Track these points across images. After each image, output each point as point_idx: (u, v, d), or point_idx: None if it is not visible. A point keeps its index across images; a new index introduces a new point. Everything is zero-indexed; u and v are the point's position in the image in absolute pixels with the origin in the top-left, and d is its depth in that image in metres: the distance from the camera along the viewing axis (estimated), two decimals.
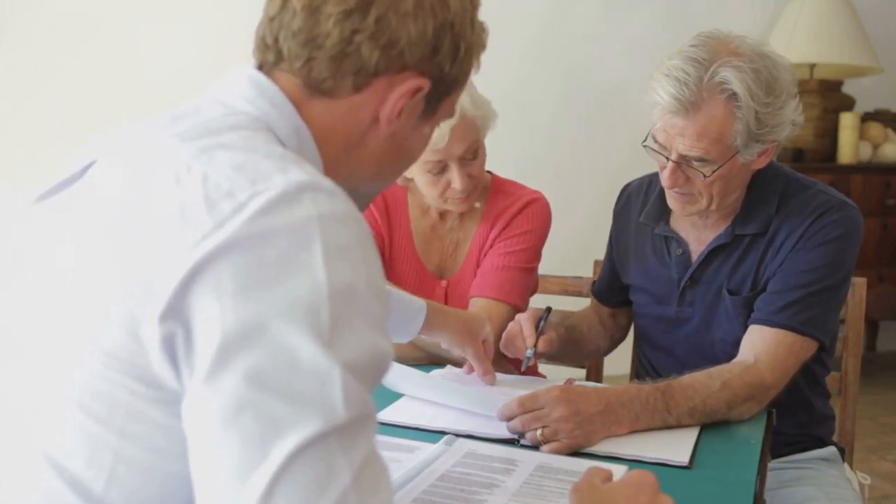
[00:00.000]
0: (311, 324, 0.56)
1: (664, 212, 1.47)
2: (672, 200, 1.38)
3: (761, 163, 1.33)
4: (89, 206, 0.68)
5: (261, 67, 0.76)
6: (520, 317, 1.38)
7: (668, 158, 1.30)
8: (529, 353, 1.35)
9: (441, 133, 1.44)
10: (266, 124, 0.71)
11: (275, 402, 0.55)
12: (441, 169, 1.50)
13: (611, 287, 1.62)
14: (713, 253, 1.40)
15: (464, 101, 1.46)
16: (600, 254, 1.70)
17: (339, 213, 0.61)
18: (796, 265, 1.31)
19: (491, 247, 1.60)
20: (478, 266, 1.60)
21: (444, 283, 1.63)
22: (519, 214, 1.60)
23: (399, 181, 1.61)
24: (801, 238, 1.32)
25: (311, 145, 0.73)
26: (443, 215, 1.65)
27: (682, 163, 1.29)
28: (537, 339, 1.35)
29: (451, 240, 1.64)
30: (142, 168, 0.66)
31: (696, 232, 1.44)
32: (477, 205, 1.62)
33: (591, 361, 1.78)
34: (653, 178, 1.53)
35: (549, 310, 1.42)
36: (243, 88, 0.73)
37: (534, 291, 1.70)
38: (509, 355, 1.41)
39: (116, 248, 0.62)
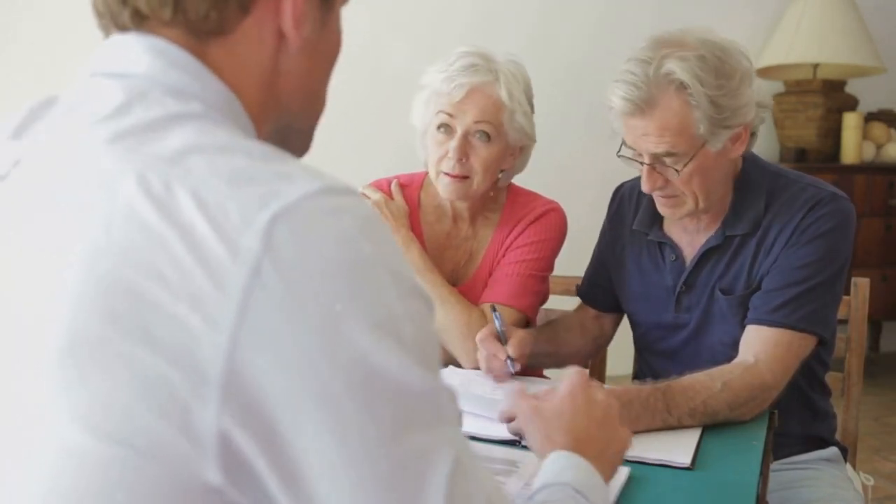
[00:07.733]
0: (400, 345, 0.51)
1: (656, 217, 1.46)
2: (661, 207, 1.38)
3: (737, 150, 1.32)
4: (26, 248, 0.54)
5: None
6: (478, 342, 1.37)
7: (642, 163, 1.31)
8: (510, 365, 1.34)
9: (459, 85, 1.44)
10: (206, 106, 0.58)
11: (413, 439, 0.50)
12: (448, 132, 1.49)
13: (597, 288, 1.60)
14: (705, 256, 1.39)
15: (496, 87, 1.47)
16: None
17: (365, 215, 0.52)
18: (790, 261, 1.30)
19: (504, 255, 1.59)
20: (490, 274, 1.60)
21: (455, 289, 1.62)
22: (534, 223, 1.59)
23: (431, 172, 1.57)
24: (793, 233, 1.30)
25: (241, 111, 0.61)
26: (456, 220, 1.63)
27: (656, 163, 1.30)
28: (504, 345, 1.35)
29: (465, 249, 1.63)
30: (86, 194, 0.52)
31: (689, 236, 1.43)
32: (493, 214, 1.62)
33: (594, 362, 1.78)
34: None
35: (493, 307, 1.42)
36: (147, 62, 0.58)
37: (544, 301, 1.68)
38: (496, 378, 1.38)
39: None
